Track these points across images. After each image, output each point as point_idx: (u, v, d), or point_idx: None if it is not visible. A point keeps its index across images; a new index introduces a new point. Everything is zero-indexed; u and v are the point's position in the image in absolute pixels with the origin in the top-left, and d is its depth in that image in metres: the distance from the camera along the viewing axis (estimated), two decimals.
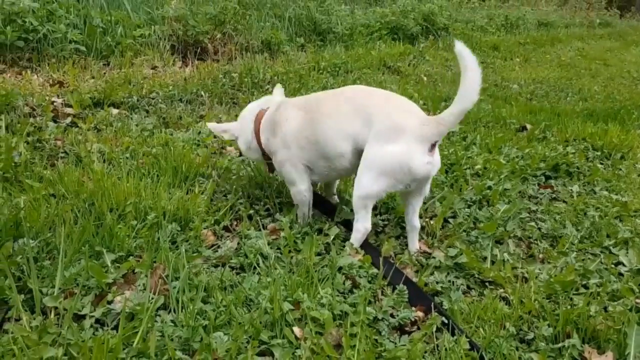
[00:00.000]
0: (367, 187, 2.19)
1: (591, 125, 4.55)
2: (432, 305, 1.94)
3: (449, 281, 2.21)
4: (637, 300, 2.12)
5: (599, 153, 3.98)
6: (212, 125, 2.71)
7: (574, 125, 4.52)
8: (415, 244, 2.44)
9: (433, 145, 2.16)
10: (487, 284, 2.26)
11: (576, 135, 4.30)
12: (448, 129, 2.14)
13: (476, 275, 2.29)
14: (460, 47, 1.98)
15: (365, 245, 2.34)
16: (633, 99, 6.49)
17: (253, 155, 2.65)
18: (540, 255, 2.49)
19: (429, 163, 2.14)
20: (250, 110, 2.64)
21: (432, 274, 2.25)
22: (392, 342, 1.80)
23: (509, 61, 9.30)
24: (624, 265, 2.48)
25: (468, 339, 1.76)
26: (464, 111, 2.06)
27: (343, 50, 7.96)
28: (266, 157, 2.58)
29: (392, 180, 2.16)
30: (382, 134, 2.15)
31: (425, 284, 2.16)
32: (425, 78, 6.92)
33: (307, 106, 2.39)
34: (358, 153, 2.26)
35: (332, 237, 2.39)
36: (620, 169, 3.71)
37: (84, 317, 1.76)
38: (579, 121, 4.75)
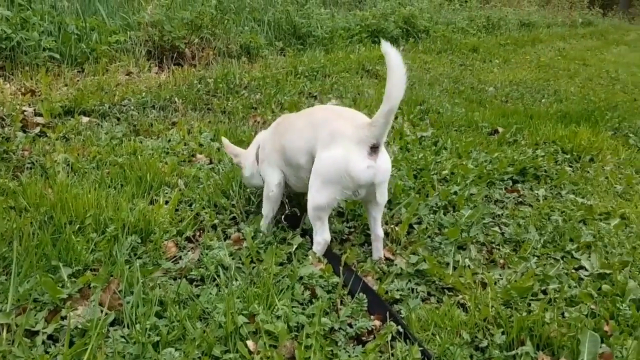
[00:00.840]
0: (316, 197, 2.24)
1: (562, 127, 4.59)
2: (388, 314, 1.95)
3: (409, 288, 2.22)
4: (593, 307, 2.14)
5: (568, 156, 4.02)
6: (226, 142, 2.91)
7: (546, 128, 4.57)
8: (379, 252, 2.45)
9: (373, 149, 2.16)
10: (447, 290, 2.27)
11: (546, 138, 4.35)
12: (382, 130, 2.12)
13: (437, 282, 2.30)
14: (386, 47, 2.00)
15: (327, 253, 2.35)
16: (608, 99, 6.57)
17: (255, 182, 2.72)
18: (502, 261, 2.51)
19: (370, 167, 2.15)
20: (256, 139, 2.78)
21: (392, 281, 2.26)
22: (348, 352, 1.80)
23: (488, 63, 9.36)
24: (585, 269, 2.51)
25: (420, 348, 1.78)
26: (392, 110, 2.08)
27: (323, 54, 7.97)
28: None
29: (337, 187, 2.19)
30: (323, 142, 2.22)
31: (386, 292, 2.17)
32: None
33: (279, 123, 2.57)
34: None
35: (295, 246, 2.40)
36: (589, 172, 3.75)
37: (37, 333, 1.75)
38: (551, 124, 4.80)
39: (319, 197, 2.22)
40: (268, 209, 2.57)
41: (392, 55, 2.00)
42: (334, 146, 2.17)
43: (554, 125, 4.72)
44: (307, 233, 2.54)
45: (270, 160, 2.53)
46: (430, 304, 2.17)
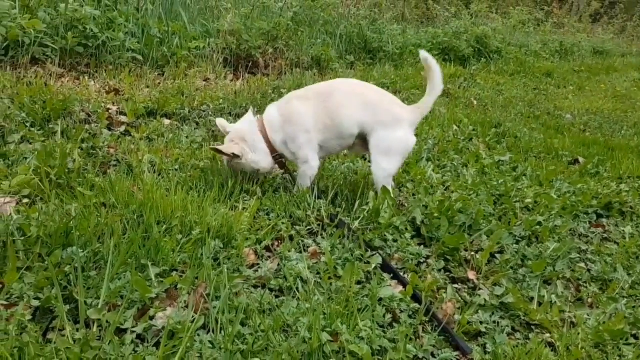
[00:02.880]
0: (388, 168, 2.92)
1: None
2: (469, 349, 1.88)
3: (494, 322, 2.14)
4: None
5: None
6: (224, 123, 3.15)
7: (629, 162, 4.35)
8: None
9: None
10: (532, 326, 2.17)
11: (630, 173, 4.13)
12: (425, 115, 3.03)
13: (522, 317, 2.21)
14: (424, 54, 2.92)
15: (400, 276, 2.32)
16: None
17: (264, 162, 3.01)
18: (589, 300, 2.39)
19: (415, 142, 2.99)
20: (244, 129, 3.03)
21: (476, 312, 2.18)
22: None
23: (562, 89, 9.07)
24: None
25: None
26: (435, 99, 2.97)
27: (392, 69, 7.94)
28: (276, 157, 3.01)
29: (401, 159, 2.97)
30: (385, 123, 2.87)
31: (468, 323, 2.09)
32: (475, 102, 6.82)
33: (315, 98, 2.95)
34: (359, 134, 2.95)
35: (373, 265, 2.36)
36: None
37: (125, 331, 1.78)
38: (634, 157, 4.57)
39: (392, 167, 2.94)
40: (306, 183, 3.01)
41: (430, 60, 2.90)
42: (399, 128, 2.88)
43: (637, 159, 4.49)
44: (384, 250, 2.51)
45: (312, 142, 2.94)
46: (516, 340, 2.08)
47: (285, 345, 1.72)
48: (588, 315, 2.27)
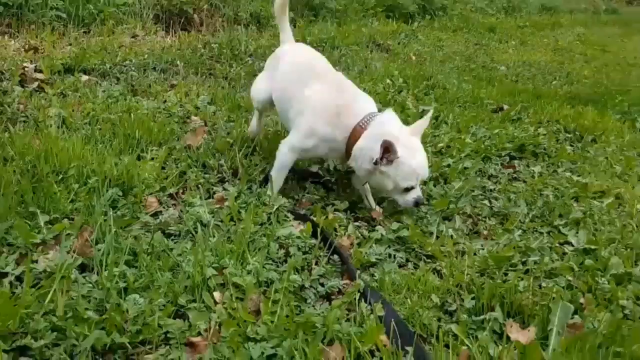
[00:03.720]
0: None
1: (568, 107, 4.50)
2: (356, 275, 1.94)
3: (388, 254, 2.21)
4: (571, 279, 2.11)
5: (570, 135, 3.94)
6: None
7: (551, 108, 4.48)
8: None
9: None
10: (426, 258, 2.25)
11: (550, 117, 4.26)
12: None
13: (417, 250, 2.28)
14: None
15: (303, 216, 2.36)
16: (621, 84, 6.42)
17: None
18: (485, 232, 2.48)
19: None
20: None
21: (371, 246, 2.24)
22: (314, 308, 1.80)
23: (504, 44, 9.17)
24: (571, 245, 2.47)
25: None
26: None
27: (335, 26, 7.86)
28: None
29: None
30: None
31: (364, 255, 2.15)
32: (413, 57, 6.84)
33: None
34: None
35: (276, 207, 2.38)
36: (589, 152, 3.68)
37: (6, 274, 1.76)
38: (558, 104, 4.70)
39: None
40: None
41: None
42: None
43: (560, 106, 4.63)
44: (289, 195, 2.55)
45: None
46: (407, 270, 2.15)
47: (165, 280, 1.74)
48: (482, 246, 2.36)
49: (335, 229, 2.36)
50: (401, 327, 1.68)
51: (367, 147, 2.38)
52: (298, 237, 2.15)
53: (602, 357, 1.65)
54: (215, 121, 3.45)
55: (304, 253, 2.10)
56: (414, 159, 2.40)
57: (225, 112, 3.62)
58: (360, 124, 2.46)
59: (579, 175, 3.23)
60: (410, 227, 2.37)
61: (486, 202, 2.79)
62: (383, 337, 1.65)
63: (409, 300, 1.91)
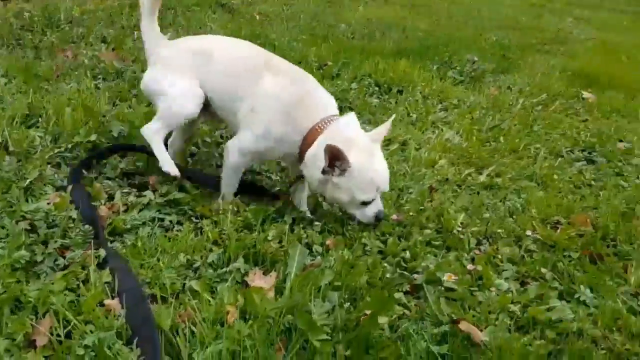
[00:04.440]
0: None
1: (384, 62, 4.71)
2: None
3: (154, 218, 2.20)
4: (318, 222, 2.25)
5: (377, 88, 4.14)
6: None
7: (368, 63, 4.66)
8: None
9: None
10: (196, 218, 2.28)
11: (365, 72, 4.44)
12: None
13: (189, 211, 2.31)
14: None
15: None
16: (451, 35, 6.81)
17: None
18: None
19: None
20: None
21: (140, 211, 2.23)
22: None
23: (357, 1, 9.35)
24: None
25: None
26: None
27: None
28: None
29: None
30: None
31: (122, 223, 2.13)
32: (257, 16, 6.79)
33: None
34: None
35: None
36: (392, 103, 3.89)
37: None
38: (380, 59, 4.90)
39: None
40: None
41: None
42: None
43: (381, 60, 4.82)
44: None
45: None
46: (173, 233, 2.16)
47: None
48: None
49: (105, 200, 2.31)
50: (132, 290, 1.69)
51: (319, 154, 2.12)
52: (48, 211, 2.06)
53: (324, 290, 1.79)
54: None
55: (50, 227, 2.02)
56: (371, 167, 2.17)
57: (17, 83, 3.37)
58: (318, 125, 2.20)
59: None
60: (186, 188, 2.38)
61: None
62: (111, 302, 1.66)
63: (161, 262, 1.93)
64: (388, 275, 2.01)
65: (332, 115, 2.26)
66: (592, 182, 3.05)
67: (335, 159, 2.08)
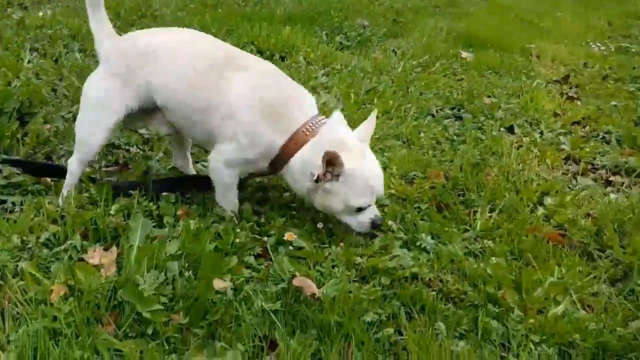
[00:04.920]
0: None
1: (269, 28, 4.67)
2: None
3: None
4: None
5: (259, 55, 4.11)
6: None
7: (253, 30, 4.61)
8: None
9: None
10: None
11: (249, 39, 4.40)
12: None
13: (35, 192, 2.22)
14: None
15: None
16: (346, 1, 6.84)
17: None
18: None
19: None
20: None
21: None
22: None
23: None
24: None
25: None
26: None
27: None
28: None
29: None
30: None
31: None
32: None
33: None
34: None
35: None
36: None
37: None
38: (266, 25, 4.85)
39: None
40: None
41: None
42: None
43: (266, 27, 4.77)
44: None
45: None
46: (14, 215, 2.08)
47: None
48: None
49: None
50: None
51: (310, 160, 1.95)
52: None
53: (165, 260, 1.79)
54: None
55: None
56: (367, 170, 2.00)
57: None
58: (305, 128, 2.00)
59: None
60: None
61: None
62: None
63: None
64: (238, 240, 2.03)
65: (318, 116, 2.05)
66: (455, 137, 3.20)
67: (331, 165, 1.91)
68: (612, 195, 2.70)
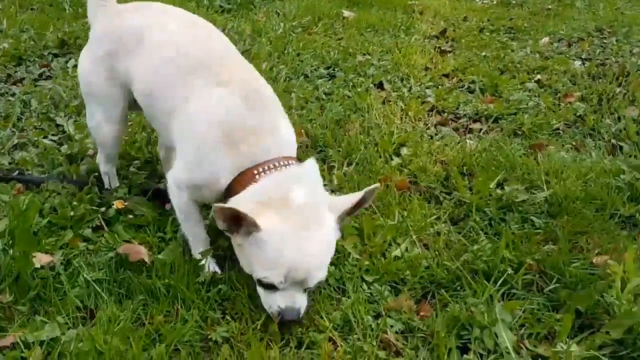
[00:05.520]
0: None
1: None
2: None
3: None
4: None
5: None
6: None
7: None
8: None
9: None
10: None
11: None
12: None
13: None
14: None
15: None
16: None
17: None
18: None
19: None
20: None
21: None
22: None
23: None
24: None
25: None
26: None
27: None
28: None
29: None
30: None
31: None
32: None
33: None
34: None
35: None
36: None
37: None
38: None
39: None
40: None
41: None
42: None
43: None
44: None
45: None
46: None
47: None
48: None
49: None
50: None
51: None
52: None
53: None
54: None
55: None
56: (289, 243, 1.53)
57: None
58: (259, 169, 1.61)
59: None
60: None
61: None
62: None
63: None
64: (73, 213, 1.95)
65: (284, 159, 1.65)
66: (324, 96, 3.21)
67: (238, 219, 1.51)
68: (469, 142, 2.80)
